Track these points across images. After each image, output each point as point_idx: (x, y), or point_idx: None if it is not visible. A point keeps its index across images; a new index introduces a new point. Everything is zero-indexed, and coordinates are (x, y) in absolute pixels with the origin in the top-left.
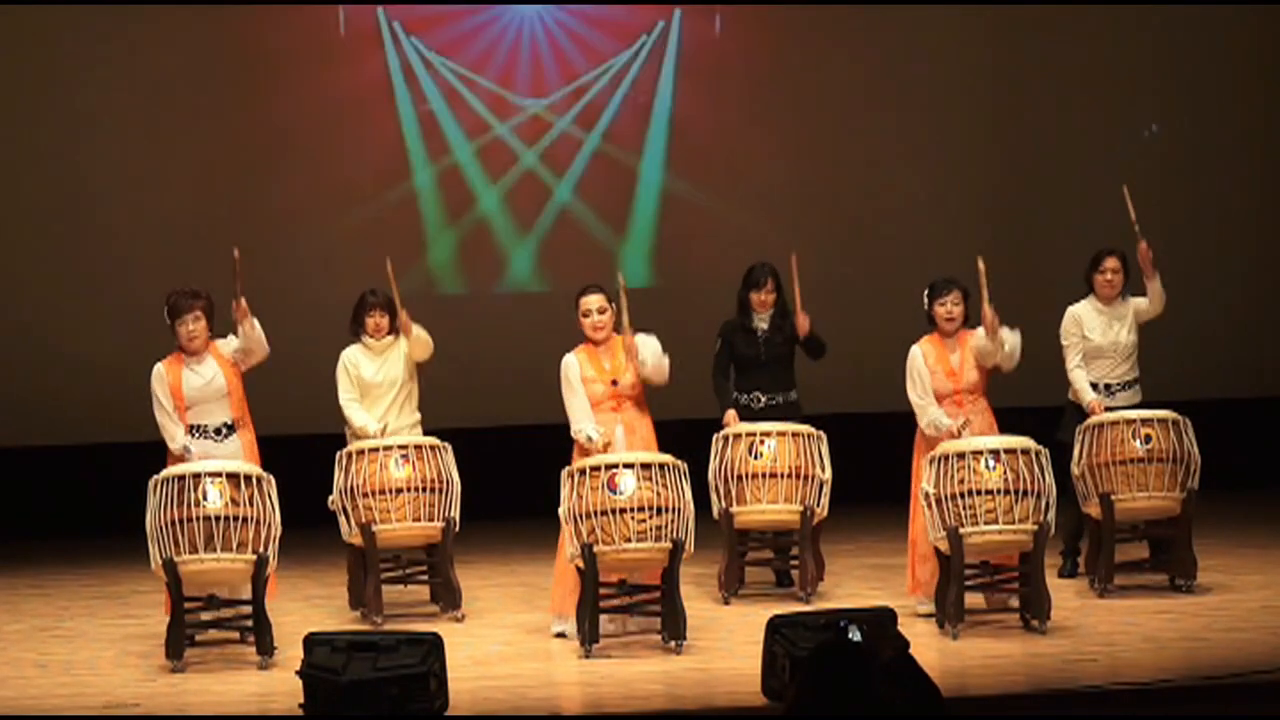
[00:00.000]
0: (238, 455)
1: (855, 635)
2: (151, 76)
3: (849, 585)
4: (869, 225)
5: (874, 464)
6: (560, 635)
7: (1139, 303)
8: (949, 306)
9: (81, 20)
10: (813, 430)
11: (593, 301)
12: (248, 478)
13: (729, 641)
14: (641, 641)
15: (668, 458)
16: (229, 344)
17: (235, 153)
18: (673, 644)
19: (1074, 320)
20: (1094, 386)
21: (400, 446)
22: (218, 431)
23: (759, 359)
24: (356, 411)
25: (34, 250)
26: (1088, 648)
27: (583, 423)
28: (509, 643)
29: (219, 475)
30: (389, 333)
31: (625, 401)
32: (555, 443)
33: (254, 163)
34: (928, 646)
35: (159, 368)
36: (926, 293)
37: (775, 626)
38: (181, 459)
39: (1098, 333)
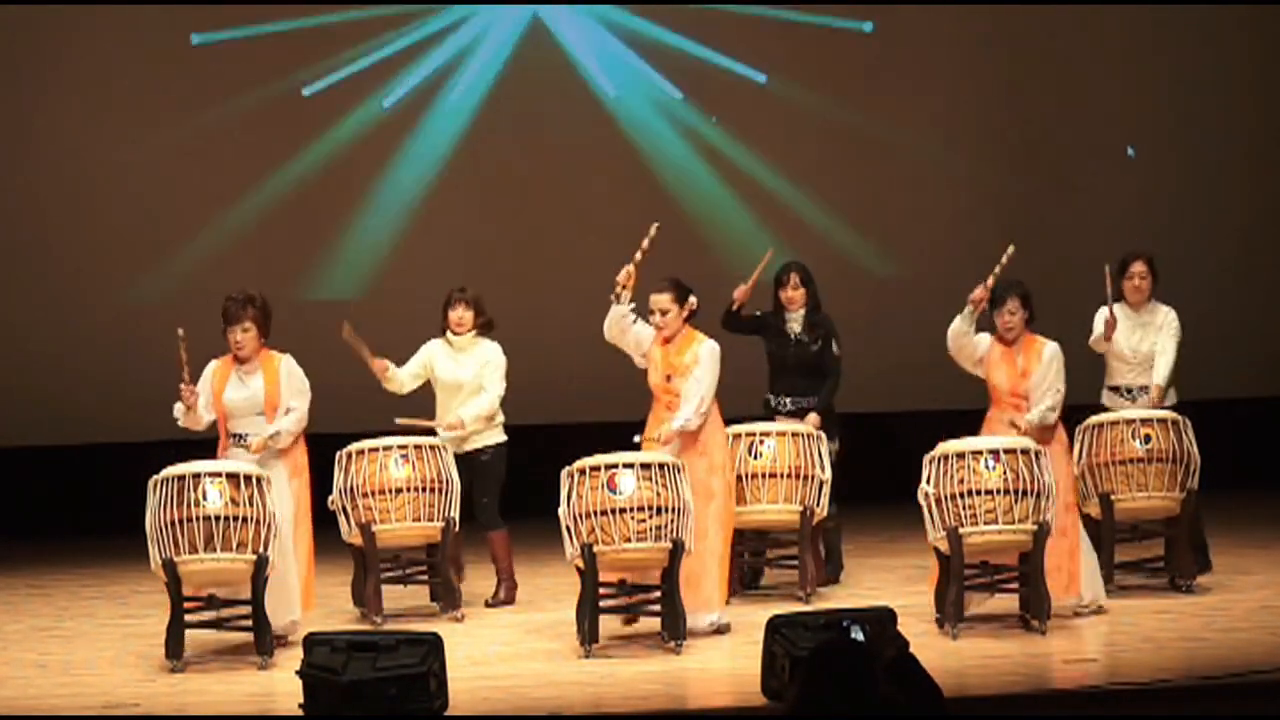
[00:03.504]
0: (275, 461)
1: (858, 635)
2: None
3: (850, 585)
4: (882, 230)
5: (878, 464)
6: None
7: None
8: (1005, 316)
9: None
10: (812, 430)
11: (655, 301)
12: (248, 478)
13: (729, 641)
14: (641, 641)
15: (668, 458)
16: (291, 370)
17: (233, 152)
18: (673, 644)
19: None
20: (1115, 390)
21: (400, 446)
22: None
23: (787, 362)
24: (400, 372)
25: (34, 251)
26: (1088, 648)
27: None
28: (509, 643)
29: (219, 475)
30: (471, 329)
31: (675, 399)
32: (555, 443)
33: (250, 162)
34: (928, 646)
35: (213, 364)
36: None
37: (775, 626)
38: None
39: (1122, 338)
